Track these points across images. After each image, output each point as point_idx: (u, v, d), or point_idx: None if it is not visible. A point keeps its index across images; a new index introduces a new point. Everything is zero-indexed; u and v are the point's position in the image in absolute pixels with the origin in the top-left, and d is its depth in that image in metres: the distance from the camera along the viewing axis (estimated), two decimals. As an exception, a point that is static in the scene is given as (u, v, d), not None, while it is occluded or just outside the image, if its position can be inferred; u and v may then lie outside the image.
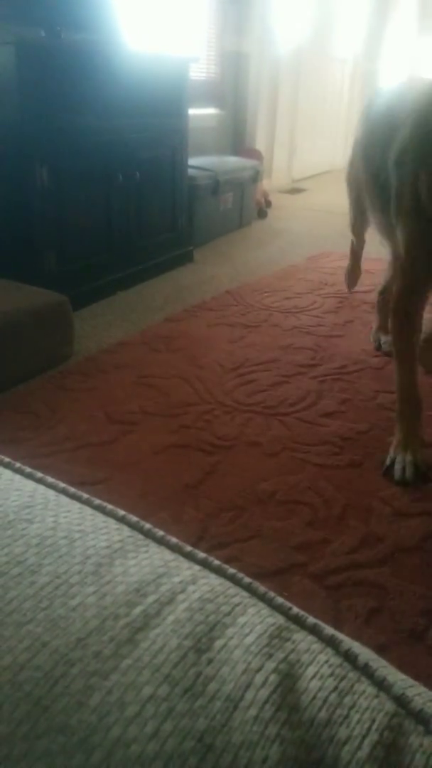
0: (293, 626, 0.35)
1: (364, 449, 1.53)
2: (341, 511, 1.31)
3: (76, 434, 1.55)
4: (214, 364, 1.95)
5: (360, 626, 1.03)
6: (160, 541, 0.41)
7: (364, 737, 0.29)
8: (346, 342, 2.15)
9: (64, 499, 0.44)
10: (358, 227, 2.28)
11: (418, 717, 0.31)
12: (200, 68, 3.91)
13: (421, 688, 0.33)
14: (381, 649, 1.00)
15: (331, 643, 0.35)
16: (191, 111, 2.86)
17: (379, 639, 1.01)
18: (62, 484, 0.46)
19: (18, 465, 0.48)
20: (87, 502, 0.44)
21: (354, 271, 2.57)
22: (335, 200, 4.71)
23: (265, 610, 0.36)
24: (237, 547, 1.20)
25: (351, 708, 0.30)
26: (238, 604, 0.36)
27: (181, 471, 1.42)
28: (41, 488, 0.45)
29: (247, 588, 0.38)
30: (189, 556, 0.40)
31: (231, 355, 2.02)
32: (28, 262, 2.14)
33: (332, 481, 1.40)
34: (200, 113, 3.84)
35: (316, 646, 0.34)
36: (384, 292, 2.11)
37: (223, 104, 4.28)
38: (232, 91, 4.35)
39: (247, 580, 0.38)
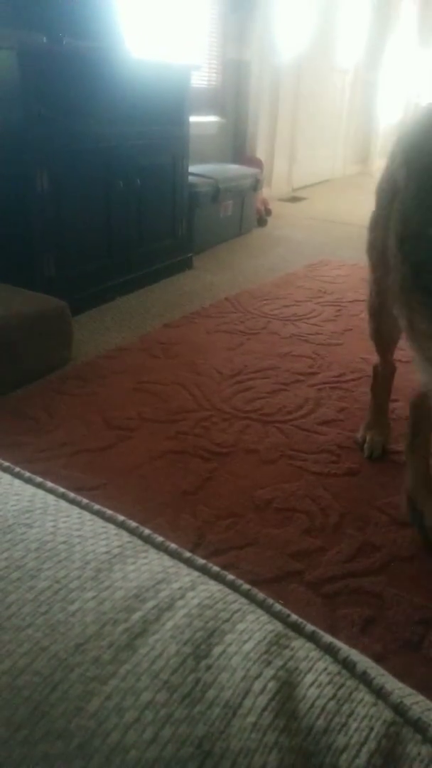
0: (292, 633, 0.35)
1: (361, 458, 1.53)
2: (338, 519, 1.31)
3: (74, 439, 1.54)
4: (212, 371, 1.95)
5: (356, 635, 1.03)
6: (160, 547, 0.41)
7: (362, 745, 0.29)
8: (345, 350, 2.15)
9: (63, 503, 0.44)
10: (387, 332, 1.38)
11: (416, 725, 0.31)
12: (201, 76, 3.94)
13: (419, 697, 0.33)
14: (377, 659, 1.00)
15: (329, 650, 0.35)
16: (192, 118, 2.87)
17: (375, 648, 1.00)
18: (61, 489, 0.46)
19: (17, 469, 0.48)
20: (86, 507, 0.44)
21: (378, 427, 1.55)
22: (334, 209, 4.73)
23: (264, 617, 0.36)
24: (233, 554, 1.20)
25: (349, 716, 0.30)
26: (237, 611, 0.36)
27: (179, 477, 1.42)
28: (41, 493, 0.45)
29: (246, 595, 0.38)
30: (188, 562, 0.40)
31: (229, 362, 2.02)
32: (27, 267, 2.14)
33: (329, 490, 1.40)
34: (201, 121, 3.86)
35: (315, 653, 0.34)
36: (422, 404, 1.32)
37: (224, 112, 4.31)
38: (233, 99, 4.38)
39: (246, 586, 0.39)
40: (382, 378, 1.57)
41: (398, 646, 1.02)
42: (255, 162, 4.33)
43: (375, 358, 1.58)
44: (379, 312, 1.36)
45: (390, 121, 7.09)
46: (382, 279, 1.22)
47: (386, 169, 1.10)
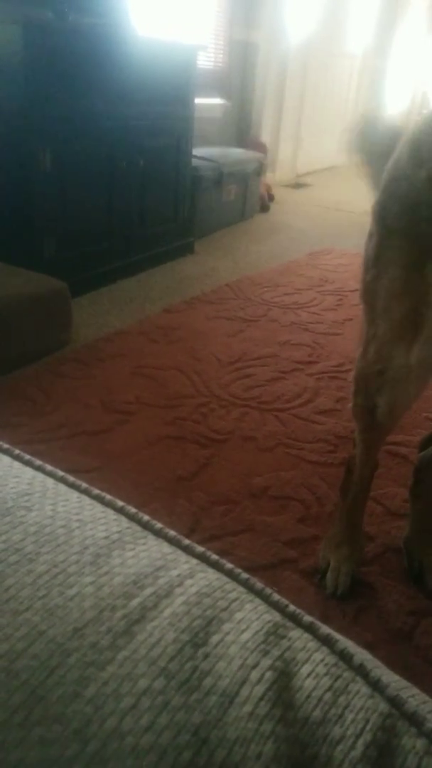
0: (289, 624, 0.35)
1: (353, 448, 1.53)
2: (333, 508, 1.31)
3: (71, 422, 1.54)
4: (211, 357, 1.94)
5: (348, 624, 1.04)
6: (159, 534, 0.41)
7: (357, 737, 0.29)
8: (344, 340, 2.15)
9: (62, 487, 0.44)
10: (386, 413, 0.98)
11: (412, 719, 0.31)
12: (207, 57, 3.88)
13: (415, 690, 0.33)
14: (368, 648, 1.00)
15: (326, 642, 0.35)
16: (197, 100, 2.84)
17: (366, 637, 1.01)
18: (61, 472, 0.46)
19: (17, 451, 0.48)
20: (86, 492, 0.44)
21: (349, 545, 1.15)
22: (338, 197, 4.70)
23: (262, 607, 0.36)
24: (228, 541, 1.20)
25: (345, 707, 0.30)
26: (235, 600, 0.36)
27: (175, 463, 1.42)
28: (40, 476, 0.45)
29: (244, 584, 0.38)
30: (187, 550, 0.40)
31: (229, 348, 2.02)
32: (27, 247, 2.13)
33: (326, 479, 1.41)
34: (206, 103, 3.81)
35: (312, 644, 0.34)
36: (428, 446, 1.21)
37: (229, 95, 4.26)
38: (239, 81, 4.32)
39: (244, 575, 0.38)
40: (362, 478, 1.12)
41: (389, 636, 1.03)
42: (259, 146, 4.28)
43: (350, 443, 1.21)
44: (377, 382, 0.95)
45: (396, 109, 7.02)
46: (389, 332, 0.90)
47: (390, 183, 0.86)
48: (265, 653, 0.32)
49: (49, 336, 1.89)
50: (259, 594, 0.37)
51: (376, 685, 0.32)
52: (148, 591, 0.35)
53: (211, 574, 0.38)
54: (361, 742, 0.29)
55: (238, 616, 0.35)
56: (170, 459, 1.44)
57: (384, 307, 0.90)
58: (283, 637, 0.34)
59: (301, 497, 1.34)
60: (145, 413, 1.61)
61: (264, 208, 4.02)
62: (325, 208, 4.36)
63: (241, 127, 4.47)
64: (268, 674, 0.31)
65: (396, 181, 0.84)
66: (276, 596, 0.37)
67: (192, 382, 1.78)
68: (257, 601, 0.37)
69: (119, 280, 2.54)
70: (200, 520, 1.25)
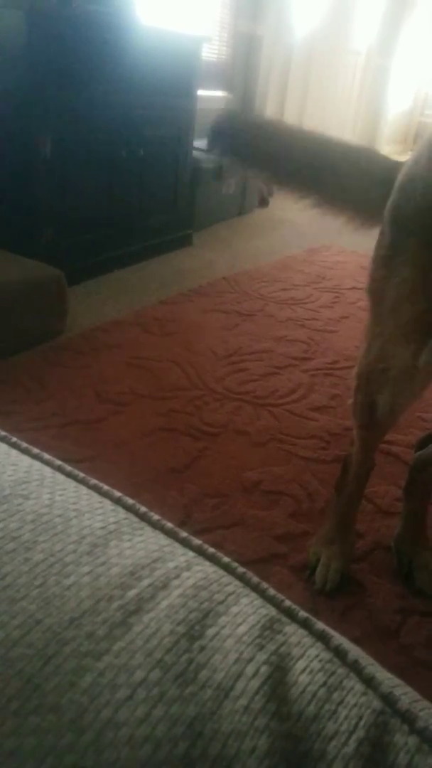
0: (285, 619, 0.36)
1: (350, 446, 1.54)
2: (324, 505, 1.32)
3: (64, 411, 1.54)
4: (206, 351, 1.94)
5: (336, 620, 1.04)
6: (156, 525, 0.41)
7: (351, 733, 0.29)
8: (340, 337, 2.15)
9: (60, 477, 0.43)
10: (386, 412, 0.98)
11: (404, 716, 0.31)
12: (211, 49, 3.85)
13: (408, 688, 0.34)
14: (354, 644, 1.01)
15: (321, 637, 0.35)
16: (199, 92, 2.82)
17: (353, 634, 1.02)
18: (58, 461, 0.46)
19: (14, 439, 0.47)
20: (83, 482, 0.44)
21: (340, 543, 1.15)
22: (337, 194, 4.68)
23: (258, 601, 0.36)
24: (219, 534, 1.21)
25: (339, 704, 0.31)
26: (231, 593, 0.36)
27: (168, 455, 1.42)
28: (37, 464, 0.44)
29: (241, 577, 0.38)
30: (184, 542, 0.40)
31: (224, 342, 2.02)
32: (25, 234, 2.11)
33: (317, 475, 1.41)
34: (208, 95, 3.78)
35: (307, 640, 0.34)
36: (425, 446, 1.18)
37: (232, 87, 4.23)
38: (242, 74, 4.29)
39: (241, 569, 0.39)
40: (358, 477, 1.12)
41: (376, 633, 1.04)
42: (261, 141, 4.25)
43: (346, 441, 1.25)
44: (380, 380, 0.94)
45: (399, 108, 7.01)
46: (396, 332, 0.89)
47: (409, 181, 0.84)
48: (261, 647, 0.32)
49: (44, 324, 1.88)
50: (255, 588, 0.38)
51: (369, 683, 0.32)
52: (145, 582, 0.35)
53: (208, 567, 0.38)
54: (354, 739, 0.29)
55: (234, 609, 0.35)
56: (163, 451, 1.44)
57: (392, 307, 0.88)
58: (278, 631, 0.34)
59: (293, 493, 1.35)
60: (139, 404, 1.61)
61: (263, 202, 4.00)
62: (324, 204, 4.35)
63: (243, 121, 4.44)
64: (264, 669, 0.31)
65: (412, 182, 0.84)
66: (272, 591, 0.38)
67: (186, 375, 1.78)
68: (253, 595, 0.37)
69: (116, 269, 2.53)
70: (191, 512, 1.26)
